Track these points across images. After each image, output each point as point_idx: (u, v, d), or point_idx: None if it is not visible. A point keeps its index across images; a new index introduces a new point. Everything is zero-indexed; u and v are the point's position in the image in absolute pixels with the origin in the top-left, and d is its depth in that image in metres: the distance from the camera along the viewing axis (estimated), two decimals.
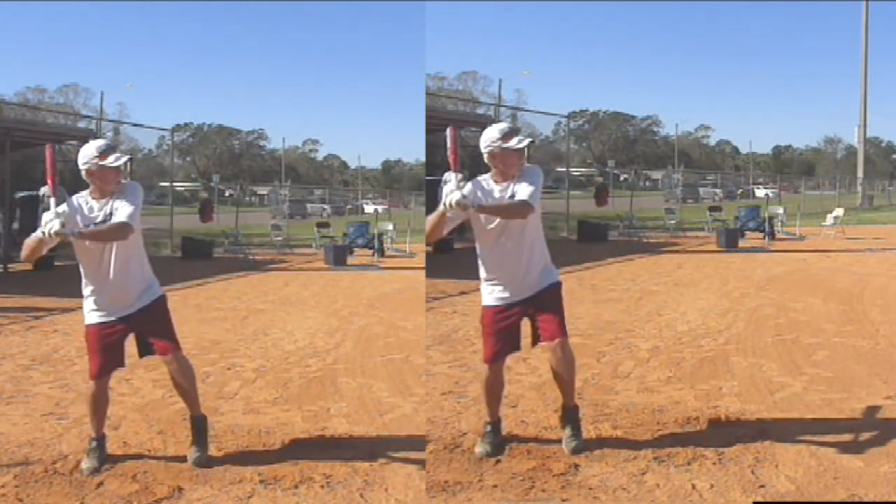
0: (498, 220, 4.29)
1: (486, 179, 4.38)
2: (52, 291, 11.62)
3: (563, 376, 4.43)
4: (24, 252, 4.19)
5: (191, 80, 79.93)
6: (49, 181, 4.22)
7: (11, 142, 17.22)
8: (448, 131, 4.31)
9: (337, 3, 68.84)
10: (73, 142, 20.19)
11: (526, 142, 4.31)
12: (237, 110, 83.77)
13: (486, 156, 4.36)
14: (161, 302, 4.47)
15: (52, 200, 4.06)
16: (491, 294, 4.43)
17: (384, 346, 7.71)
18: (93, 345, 4.38)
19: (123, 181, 4.33)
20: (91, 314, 4.38)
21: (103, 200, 4.28)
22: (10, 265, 15.98)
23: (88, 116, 37.48)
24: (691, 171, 43.14)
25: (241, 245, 21.42)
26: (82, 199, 4.32)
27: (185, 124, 50.60)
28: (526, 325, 4.45)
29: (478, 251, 4.46)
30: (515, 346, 4.46)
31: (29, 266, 15.87)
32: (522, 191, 4.22)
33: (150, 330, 4.41)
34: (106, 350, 4.36)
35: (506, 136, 4.29)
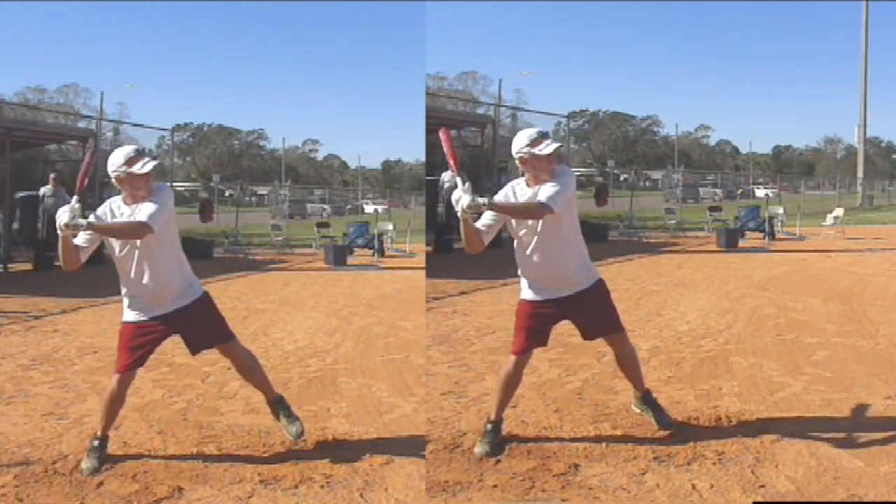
0: (529, 222, 4.37)
1: (519, 184, 4.46)
2: (52, 291, 11.63)
3: (627, 369, 4.74)
4: (61, 259, 4.23)
5: (191, 80, 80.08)
6: (79, 182, 4.27)
7: (11, 142, 17.20)
8: (440, 134, 4.35)
9: (337, 3, 68.94)
10: (73, 142, 20.20)
11: (553, 147, 4.35)
12: (237, 110, 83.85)
13: (517, 161, 4.43)
14: (201, 301, 4.50)
15: (75, 198, 4.11)
16: (529, 289, 4.51)
17: (384, 346, 7.71)
18: (124, 342, 4.41)
19: (154, 184, 4.34)
20: (128, 312, 4.43)
21: (134, 206, 4.30)
22: (10, 265, 15.96)
23: (88, 116, 37.44)
24: (691, 171, 43.13)
25: (241, 245, 21.41)
26: (115, 204, 4.36)
27: (185, 124, 50.62)
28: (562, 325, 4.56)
29: (515, 252, 4.52)
30: (544, 343, 4.56)
31: (29, 266, 15.89)
32: (543, 192, 4.27)
33: (195, 330, 4.47)
34: (136, 349, 4.39)
35: (534, 141, 4.35)
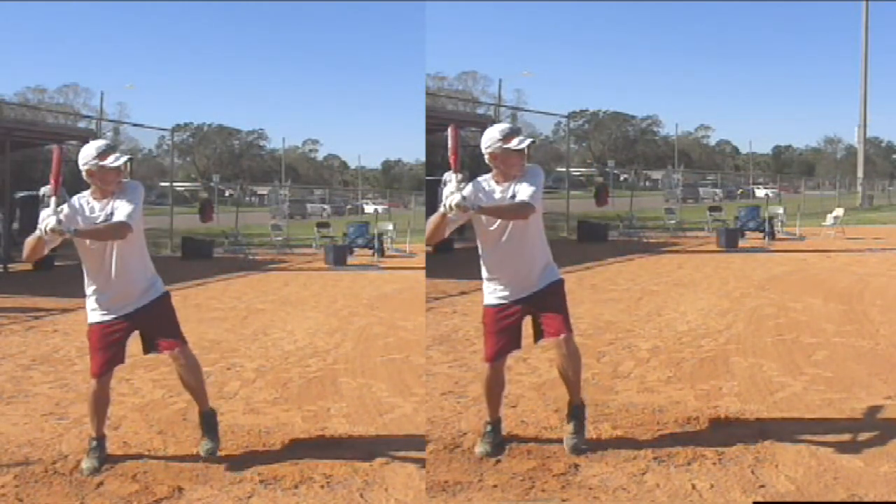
0: (499, 220, 4.30)
1: (486, 180, 4.38)
2: (52, 291, 11.61)
3: (569, 373, 4.44)
4: (25, 251, 4.20)
5: (191, 80, 79.88)
6: (52, 181, 4.22)
7: (11, 142, 17.23)
8: (449, 130, 4.31)
9: (337, 4, 68.83)
10: (73, 142, 20.19)
11: (527, 142, 4.31)
12: (237, 110, 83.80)
13: (487, 156, 4.36)
14: (164, 299, 4.48)
15: (53, 200, 4.07)
16: (492, 293, 4.44)
17: (384, 346, 7.71)
18: (94, 343, 4.39)
19: (124, 181, 4.33)
20: (93, 313, 4.39)
21: (104, 201, 4.29)
22: (10, 265, 15.97)
23: (88, 116, 37.50)
24: (691, 171, 43.12)
25: (241, 245, 21.42)
26: (84, 199, 4.34)
27: (185, 124, 50.56)
28: (527, 324, 4.46)
29: (479, 251, 4.46)
30: (516, 345, 4.47)
31: (29, 266, 15.87)
32: (523, 191, 4.23)
33: (154, 327, 4.42)
34: (107, 348, 4.36)
35: (507, 136, 4.30)
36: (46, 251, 4.23)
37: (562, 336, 4.34)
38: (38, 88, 41.46)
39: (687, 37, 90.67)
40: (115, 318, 4.36)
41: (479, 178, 4.40)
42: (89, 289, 4.38)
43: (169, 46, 77.19)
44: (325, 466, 4.34)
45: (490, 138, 4.32)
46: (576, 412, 4.51)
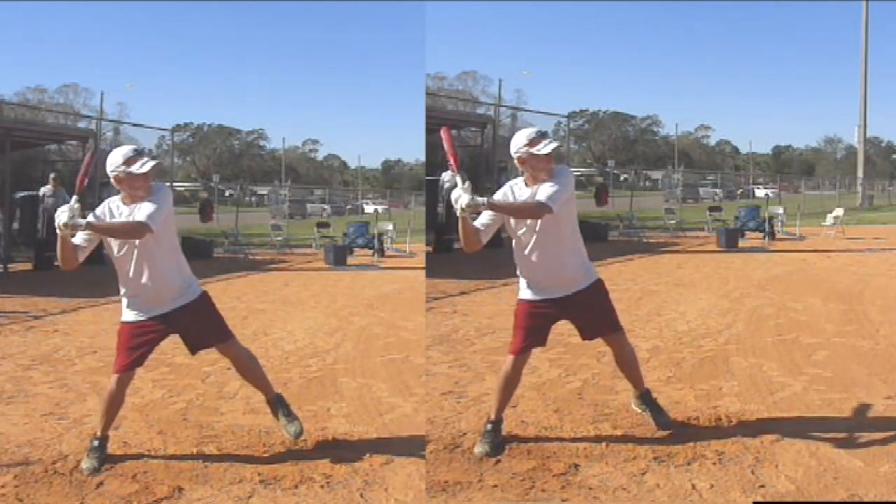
0: (528, 222, 4.36)
1: (518, 184, 4.46)
2: (52, 291, 11.63)
3: (627, 367, 4.73)
4: (59, 259, 4.22)
5: (191, 80, 79.91)
6: (79, 182, 4.25)
7: (11, 142, 17.20)
8: (442, 133, 4.36)
9: (337, 3, 68.87)
10: (73, 142, 20.20)
11: (552, 146, 4.35)
12: (237, 110, 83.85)
13: (515, 161, 4.42)
14: (201, 300, 4.50)
15: (74, 198, 4.11)
16: (527, 289, 4.50)
17: (384, 346, 7.71)
18: (123, 341, 4.41)
19: (152, 184, 4.34)
20: (127, 311, 4.43)
21: (133, 205, 4.29)
22: (10, 265, 15.95)
23: (88, 116, 37.40)
24: (691, 171, 43.12)
25: (241, 245, 21.41)
26: (114, 204, 4.36)
27: (185, 124, 50.51)
28: (562, 325, 4.56)
29: (513, 252, 4.51)
30: (542, 343, 4.56)
31: (29, 266, 15.89)
32: (542, 192, 4.27)
33: (195, 329, 4.47)
34: (135, 348, 4.39)
35: (532, 141, 4.35)
36: (81, 257, 4.25)
37: (613, 335, 4.58)
38: (38, 88, 41.46)
39: (687, 37, 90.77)
40: (149, 319, 4.38)
41: (512, 181, 4.50)
42: (122, 291, 4.42)
43: (169, 46, 77.31)
44: (325, 466, 4.34)
45: (517, 144, 4.39)
46: (645, 399, 4.80)
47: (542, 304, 4.46)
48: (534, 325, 4.48)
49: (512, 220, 4.39)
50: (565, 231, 4.41)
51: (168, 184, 24.25)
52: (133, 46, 75.03)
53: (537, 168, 4.35)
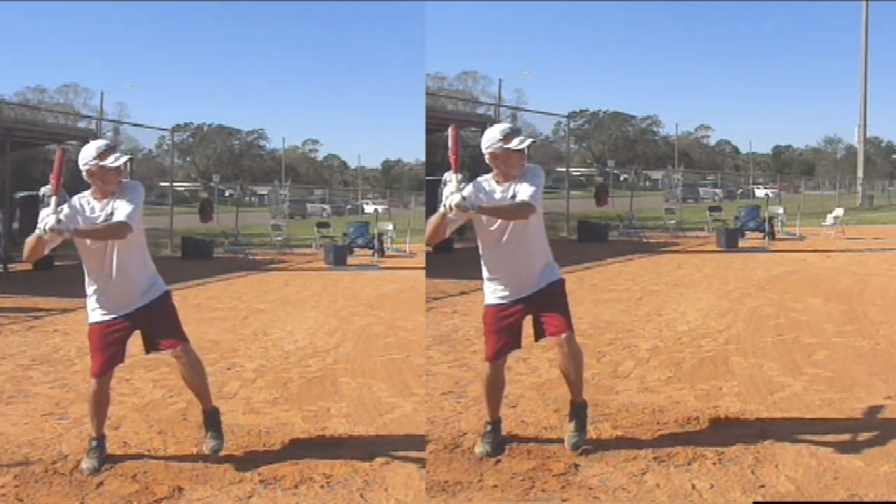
0: (499, 220, 4.30)
1: (487, 180, 4.38)
2: (52, 291, 11.61)
3: (570, 372, 4.45)
4: (25, 251, 4.20)
5: (191, 80, 79.73)
6: (53, 181, 4.22)
7: (11, 142, 17.22)
8: (450, 130, 4.32)
9: (337, 3, 68.78)
10: (73, 142, 20.19)
11: (527, 142, 4.31)
12: (237, 110, 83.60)
13: (487, 156, 4.36)
14: (164, 298, 4.48)
15: (53, 199, 4.08)
16: (493, 293, 4.44)
17: (384, 346, 7.71)
18: (95, 343, 4.40)
19: (124, 181, 4.33)
20: (94, 313, 4.40)
21: (105, 201, 4.29)
22: (10, 265, 15.96)
23: (88, 116, 37.42)
24: (691, 171, 43.11)
25: (241, 245, 21.42)
26: (84, 199, 4.34)
27: (185, 124, 50.47)
28: (527, 324, 4.46)
29: (480, 251, 4.46)
30: (516, 345, 4.47)
31: (29, 266, 15.87)
32: (524, 191, 4.23)
33: (155, 326, 4.43)
34: (107, 348, 4.37)
35: (507, 136, 4.30)
36: (47, 251, 4.23)
37: (563, 335, 4.35)
38: (38, 88, 41.40)
39: (687, 37, 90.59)
40: (116, 318, 4.36)
41: (480, 179, 4.39)
42: (90, 289, 4.39)
43: (169, 46, 77.15)
44: (325, 466, 4.34)
45: (490, 138, 4.31)
46: (578, 411, 4.52)
47: (509, 306, 4.40)
48: (503, 328, 4.41)
49: (484, 219, 4.31)
50: (534, 231, 4.38)
51: (168, 184, 24.38)
52: (133, 46, 74.90)
53: (510, 164, 4.29)
